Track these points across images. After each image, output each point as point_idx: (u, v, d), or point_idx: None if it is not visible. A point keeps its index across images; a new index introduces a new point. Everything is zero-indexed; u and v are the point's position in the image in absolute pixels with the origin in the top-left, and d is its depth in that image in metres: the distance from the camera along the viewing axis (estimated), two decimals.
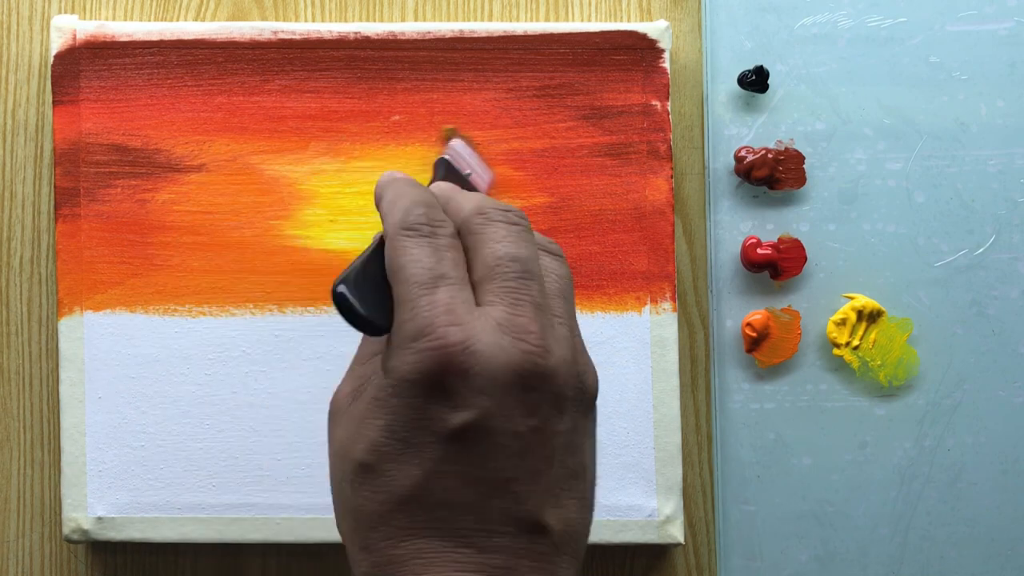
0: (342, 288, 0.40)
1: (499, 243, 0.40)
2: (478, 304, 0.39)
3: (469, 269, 0.40)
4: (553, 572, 0.38)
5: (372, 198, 0.56)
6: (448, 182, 0.45)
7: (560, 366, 0.38)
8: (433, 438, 0.37)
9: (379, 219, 0.56)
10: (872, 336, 0.57)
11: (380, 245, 0.41)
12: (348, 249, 0.56)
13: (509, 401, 0.37)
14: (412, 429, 0.37)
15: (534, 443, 0.38)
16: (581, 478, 0.39)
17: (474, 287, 0.39)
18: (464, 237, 0.40)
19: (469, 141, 0.55)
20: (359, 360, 0.41)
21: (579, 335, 0.41)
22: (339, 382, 0.41)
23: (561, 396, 0.38)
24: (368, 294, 0.40)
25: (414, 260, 0.39)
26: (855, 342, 0.57)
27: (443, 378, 0.37)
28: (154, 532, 0.55)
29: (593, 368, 0.41)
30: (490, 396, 0.37)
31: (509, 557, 0.37)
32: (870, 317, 0.57)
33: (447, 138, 0.55)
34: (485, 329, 0.37)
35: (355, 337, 0.55)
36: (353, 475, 0.38)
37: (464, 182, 0.51)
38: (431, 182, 0.50)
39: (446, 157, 0.53)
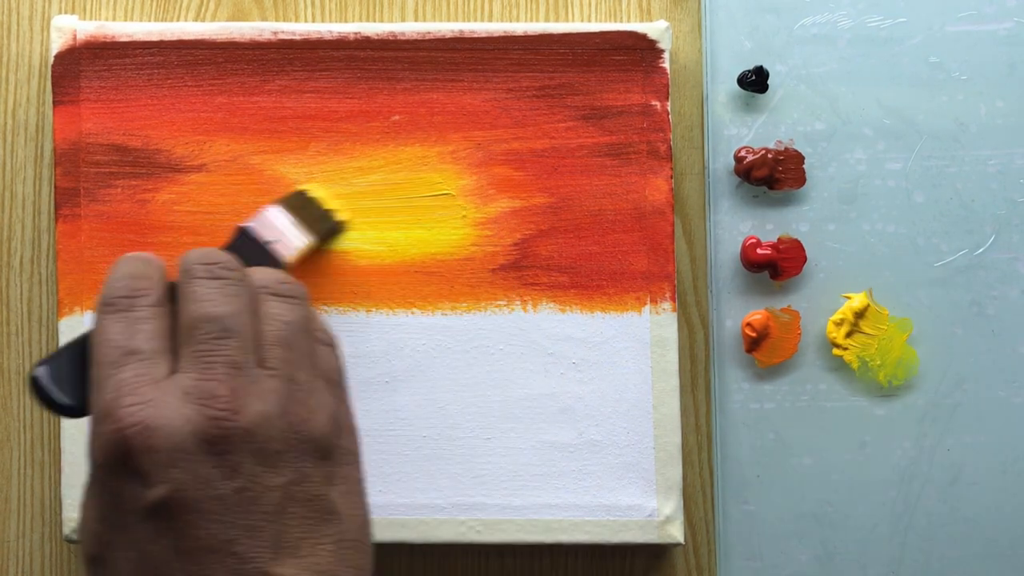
0: (39, 371, 0.40)
1: (196, 303, 0.40)
2: (172, 371, 0.38)
3: (172, 333, 0.40)
4: None
5: (372, 198, 0.56)
6: (236, 252, 0.44)
7: (257, 422, 0.38)
8: (137, 517, 0.37)
9: (381, 222, 0.56)
10: (865, 328, 0.57)
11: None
12: (348, 250, 0.56)
13: (202, 468, 0.37)
14: (116, 512, 0.38)
15: (243, 502, 0.37)
16: (331, 522, 0.39)
17: (174, 352, 0.39)
18: (174, 301, 0.40)
19: (303, 202, 0.54)
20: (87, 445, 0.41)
21: (305, 379, 0.40)
22: None
23: (266, 451, 0.38)
24: (72, 377, 0.40)
25: (105, 339, 0.39)
26: (848, 342, 0.57)
27: (128, 459, 0.37)
28: None
29: (330, 409, 0.40)
30: (180, 468, 0.37)
31: None
32: (859, 314, 0.57)
33: (283, 197, 0.53)
34: (169, 401, 0.37)
35: (355, 337, 0.56)
36: (88, 571, 0.39)
37: (262, 251, 0.50)
38: (223, 248, 0.49)
39: (246, 225, 0.51)
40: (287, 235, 0.51)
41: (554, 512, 0.55)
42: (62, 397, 0.40)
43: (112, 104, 0.56)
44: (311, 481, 0.39)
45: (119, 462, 0.37)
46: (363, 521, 0.41)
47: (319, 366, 0.41)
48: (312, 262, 0.56)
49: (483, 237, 0.56)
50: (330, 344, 0.43)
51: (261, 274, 0.42)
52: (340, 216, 0.55)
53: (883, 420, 0.57)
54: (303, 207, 0.53)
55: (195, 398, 0.38)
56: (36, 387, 0.40)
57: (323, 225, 0.54)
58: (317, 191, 0.55)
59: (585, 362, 0.56)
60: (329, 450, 0.40)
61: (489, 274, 0.56)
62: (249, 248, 0.50)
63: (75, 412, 0.40)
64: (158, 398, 0.37)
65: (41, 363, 0.41)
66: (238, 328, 0.39)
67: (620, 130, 0.56)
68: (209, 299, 0.40)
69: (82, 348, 0.41)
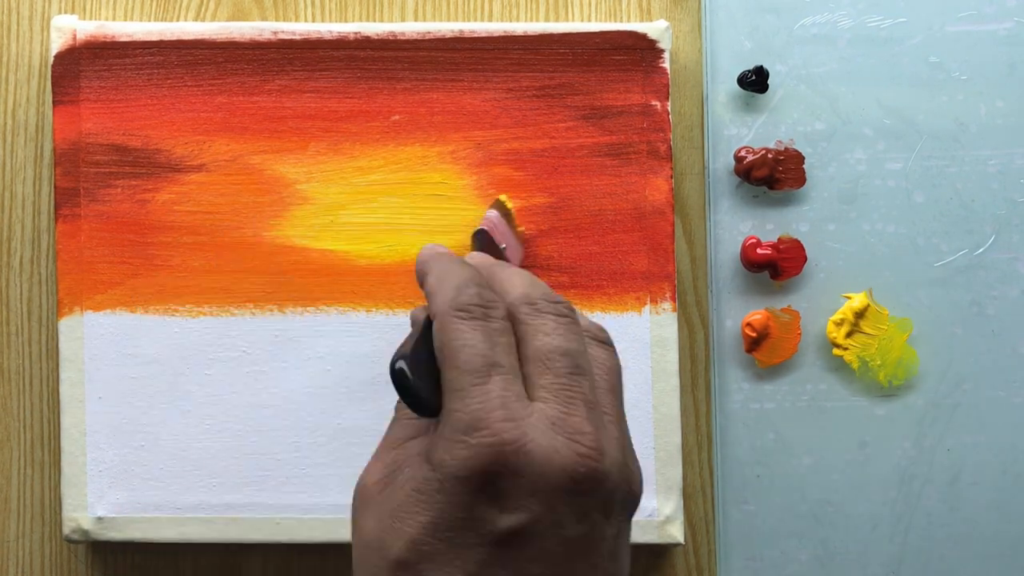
0: (401, 364, 0.38)
1: (549, 336, 0.38)
2: (529, 398, 0.37)
3: (518, 357, 0.38)
4: None
5: (372, 198, 0.56)
6: (486, 254, 0.44)
7: (613, 469, 0.37)
8: (479, 540, 0.35)
9: (380, 221, 0.56)
10: (865, 328, 0.57)
11: (429, 324, 0.39)
12: (348, 250, 0.56)
13: (560, 506, 0.35)
14: (458, 529, 0.36)
15: (581, 549, 0.36)
16: None
17: (523, 378, 0.37)
18: (511, 322, 0.39)
19: (506, 212, 0.55)
20: (389, 444, 0.39)
21: (627, 431, 0.39)
22: (365, 466, 0.40)
23: (610, 501, 0.37)
24: (421, 373, 0.38)
25: (467, 345, 0.37)
26: (848, 342, 0.57)
27: (495, 478, 0.35)
28: (154, 532, 0.55)
29: (639, 468, 0.39)
30: (541, 500, 0.35)
31: None
32: (859, 314, 0.57)
33: (493, 205, 0.55)
34: (538, 428, 0.36)
35: (355, 337, 0.56)
36: (388, 572, 0.36)
37: (499, 255, 0.50)
38: (470, 252, 0.50)
39: (485, 228, 0.52)
40: (511, 241, 0.53)
41: None
42: (428, 394, 0.38)
43: (112, 104, 0.56)
44: (621, 538, 0.38)
45: (485, 479, 0.35)
46: None
47: (624, 427, 0.40)
48: (311, 262, 0.56)
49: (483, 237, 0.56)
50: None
51: (583, 318, 0.41)
52: (522, 228, 0.55)
53: (883, 420, 0.57)
54: (506, 215, 0.54)
55: (564, 431, 0.36)
56: (401, 380, 0.38)
57: (519, 235, 0.55)
58: (507, 200, 0.55)
59: None
60: (635, 509, 0.39)
61: None
62: (488, 252, 0.49)
63: (431, 411, 0.38)
64: (529, 421, 0.36)
65: (399, 356, 0.39)
66: (588, 369, 0.38)
67: (620, 130, 0.56)
68: (561, 334, 0.38)
69: (429, 346, 0.39)
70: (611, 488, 0.36)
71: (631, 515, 0.38)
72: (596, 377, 0.39)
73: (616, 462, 0.37)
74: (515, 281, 0.40)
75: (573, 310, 0.40)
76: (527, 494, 0.35)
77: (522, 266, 0.55)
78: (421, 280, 0.42)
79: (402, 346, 0.39)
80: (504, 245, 0.53)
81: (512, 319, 0.39)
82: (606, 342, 0.40)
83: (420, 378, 0.38)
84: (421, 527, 0.36)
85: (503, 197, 0.55)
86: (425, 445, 0.37)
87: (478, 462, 0.35)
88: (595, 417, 0.37)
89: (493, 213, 0.54)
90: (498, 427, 0.35)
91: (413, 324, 0.45)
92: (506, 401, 0.36)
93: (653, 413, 0.55)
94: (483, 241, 0.52)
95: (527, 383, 0.37)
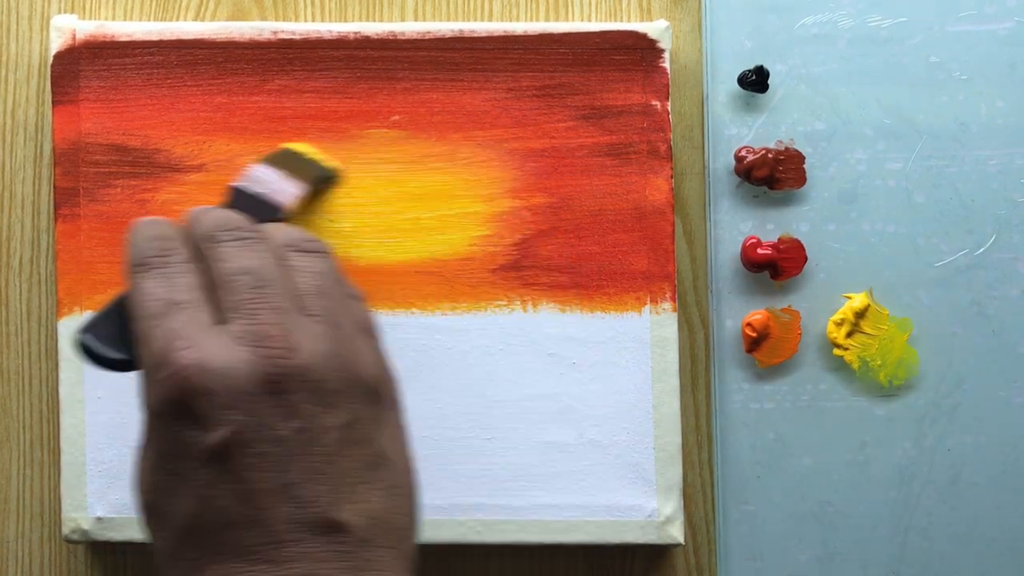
0: (84, 335, 0.41)
1: (227, 261, 0.40)
2: (219, 323, 0.39)
3: (207, 291, 0.40)
4: (364, 568, 0.37)
5: (372, 198, 0.56)
6: (235, 209, 0.45)
7: (314, 361, 0.38)
8: (195, 463, 0.37)
9: (380, 221, 0.56)
10: (866, 328, 0.57)
11: (122, 293, 0.42)
12: (349, 250, 0.56)
13: (262, 409, 0.37)
14: (174, 460, 0.37)
15: (303, 443, 0.37)
16: (383, 467, 0.39)
17: (214, 308, 0.39)
18: (200, 263, 0.41)
19: (288, 157, 0.53)
20: (142, 399, 0.41)
21: (348, 326, 0.40)
22: None
23: (323, 391, 0.38)
24: (115, 337, 0.41)
25: (146, 294, 0.39)
26: (849, 342, 0.57)
27: (187, 402, 0.37)
28: None
29: (373, 356, 0.40)
30: (240, 409, 0.37)
31: (310, 563, 0.36)
32: (860, 314, 0.57)
33: (266, 156, 0.53)
34: (222, 345, 0.37)
35: None
36: (144, 518, 0.39)
37: (260, 204, 0.50)
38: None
39: (237, 184, 0.51)
40: (280, 186, 0.51)
41: (554, 512, 0.55)
42: (114, 353, 0.41)
43: (112, 104, 0.56)
44: (363, 424, 0.39)
45: (176, 407, 0.37)
46: (410, 468, 0.40)
47: (354, 316, 0.41)
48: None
49: (483, 237, 0.56)
50: (358, 297, 0.43)
51: (281, 232, 0.43)
52: (330, 164, 0.54)
53: (883, 420, 0.57)
54: (289, 161, 0.53)
55: (248, 341, 0.38)
56: (86, 350, 0.41)
57: (313, 174, 0.53)
58: (300, 146, 0.54)
59: (585, 362, 0.56)
60: (378, 394, 0.40)
61: (489, 274, 0.56)
62: (246, 205, 0.49)
63: (128, 366, 0.41)
64: (211, 341, 0.37)
65: (84, 329, 0.41)
66: (273, 278, 0.39)
67: (620, 130, 0.56)
68: (239, 256, 0.40)
69: (119, 310, 0.42)
70: (318, 379, 0.38)
71: (378, 402, 0.39)
72: (300, 283, 0.40)
73: (318, 353, 0.38)
74: (202, 219, 0.42)
75: (258, 231, 0.41)
76: (224, 408, 0.37)
77: (304, 203, 0.53)
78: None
79: (89, 319, 0.42)
80: (263, 191, 0.51)
81: (199, 258, 0.41)
82: (312, 250, 0.42)
83: (112, 340, 0.41)
84: (149, 469, 0.38)
85: (289, 145, 0.54)
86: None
87: (168, 394, 0.37)
88: (286, 320, 0.38)
89: (257, 166, 0.52)
90: (176, 356, 0.37)
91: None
92: (184, 331, 0.38)
93: (653, 413, 0.55)
94: (235, 195, 0.51)
95: (216, 309, 0.39)
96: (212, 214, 0.43)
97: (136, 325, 0.39)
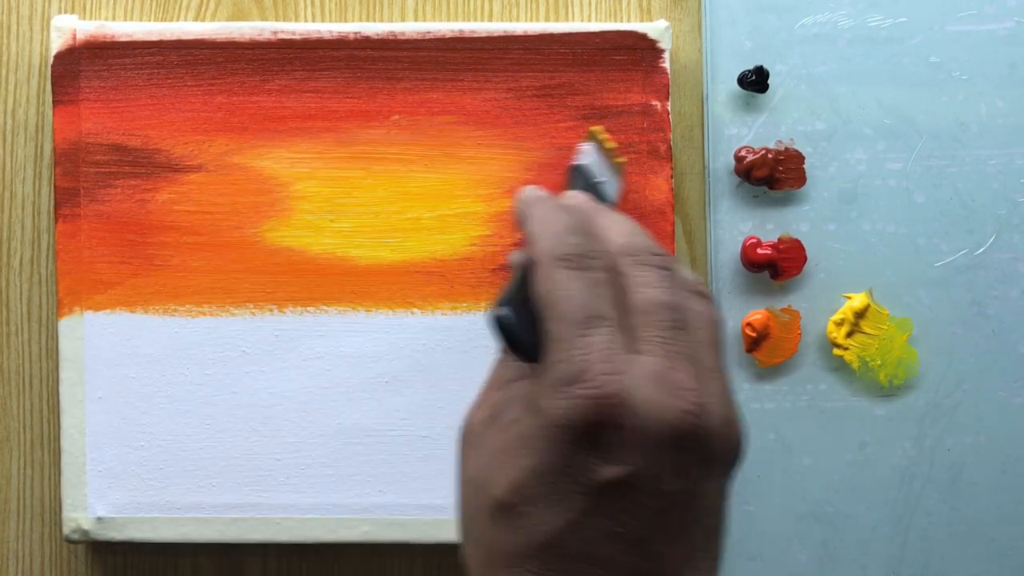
0: (505, 311, 0.38)
1: (651, 288, 0.37)
2: (631, 350, 0.37)
3: (620, 308, 0.38)
4: None
5: (372, 198, 0.56)
6: (584, 192, 0.43)
7: (715, 427, 0.36)
8: (580, 488, 0.35)
9: (380, 221, 0.56)
10: (866, 328, 0.57)
11: (526, 270, 0.39)
12: (348, 250, 0.56)
13: (661, 460, 0.35)
14: (559, 476, 0.36)
15: (679, 505, 0.36)
16: (715, 539, 0.37)
17: (625, 330, 0.37)
18: (613, 272, 0.38)
19: (600, 144, 0.52)
20: (492, 385, 0.40)
21: (728, 385, 0.39)
22: (470, 404, 0.40)
23: (711, 458, 0.36)
24: (521, 319, 0.38)
25: (569, 295, 0.37)
26: (849, 342, 0.57)
27: (597, 429, 0.35)
28: (154, 532, 0.55)
29: (743, 425, 0.38)
30: (643, 454, 0.35)
31: None
32: (860, 314, 0.57)
33: (589, 138, 0.52)
34: (641, 381, 0.36)
35: (356, 337, 0.56)
36: (491, 510, 0.37)
37: (597, 192, 0.49)
38: (566, 189, 0.49)
39: (581, 164, 0.50)
40: (609, 176, 0.50)
41: None
42: (529, 339, 0.38)
43: (112, 104, 0.56)
44: (720, 495, 0.38)
45: (587, 429, 0.35)
46: (724, 544, 0.39)
47: (727, 382, 0.40)
48: (311, 262, 0.56)
49: (483, 237, 0.56)
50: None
51: (682, 270, 0.40)
52: (621, 159, 0.53)
53: (883, 420, 0.57)
54: (603, 148, 0.52)
55: (667, 385, 0.36)
56: (505, 326, 0.38)
57: (618, 169, 0.52)
58: (601, 132, 0.52)
59: None
60: (737, 466, 0.38)
61: (489, 274, 0.56)
62: (586, 189, 0.48)
63: (535, 356, 0.38)
64: (632, 374, 0.35)
65: (502, 303, 0.38)
66: (690, 323, 0.38)
67: (620, 130, 0.56)
68: (663, 287, 0.38)
69: (525, 292, 0.39)
70: (713, 445, 0.36)
71: (733, 472, 0.38)
72: (699, 332, 0.38)
73: (719, 418, 0.36)
74: (617, 229, 0.40)
75: (673, 262, 0.39)
76: (628, 447, 0.35)
77: (621, 196, 0.52)
78: (520, 224, 0.41)
79: (501, 293, 0.39)
80: (601, 179, 0.50)
81: (614, 269, 0.38)
82: (705, 295, 0.40)
83: (520, 323, 0.38)
84: (524, 471, 0.36)
85: (595, 128, 0.53)
86: (528, 389, 0.38)
87: (581, 413, 0.35)
88: (698, 372, 0.37)
89: (587, 146, 0.51)
90: (601, 379, 0.35)
91: (511, 269, 0.45)
92: (609, 353, 0.36)
93: None
94: (579, 176, 0.49)
95: (629, 335, 0.37)
96: (626, 225, 0.40)
97: (553, 325, 0.37)
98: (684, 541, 0.36)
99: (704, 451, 0.36)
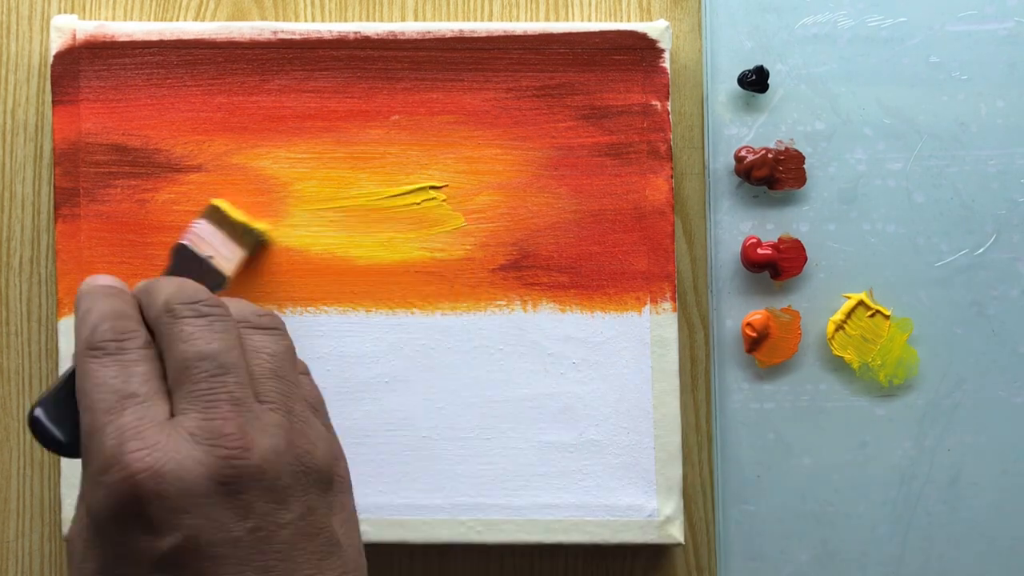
0: (38, 412, 0.39)
1: (186, 343, 0.38)
2: (174, 414, 0.37)
3: (163, 375, 0.38)
4: None
5: (371, 198, 0.56)
6: (180, 273, 0.44)
7: (268, 458, 0.37)
8: (146, 570, 0.36)
9: (380, 221, 0.56)
10: (861, 324, 0.57)
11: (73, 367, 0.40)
12: (348, 250, 0.56)
13: (216, 511, 0.36)
14: (122, 565, 0.36)
15: (257, 542, 0.36)
16: (334, 555, 0.38)
17: (169, 394, 0.38)
18: (156, 339, 0.39)
19: (221, 218, 0.53)
20: (82, 493, 0.39)
21: (301, 410, 0.39)
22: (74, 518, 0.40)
23: (277, 488, 0.37)
24: (67, 417, 0.39)
25: (98, 384, 0.37)
26: (849, 341, 0.57)
27: (139, 508, 0.35)
28: None
29: (325, 440, 0.39)
30: (193, 513, 0.35)
31: None
32: (857, 311, 0.57)
33: (204, 213, 0.53)
34: (176, 445, 0.36)
35: (356, 337, 0.56)
36: None
37: (203, 267, 0.50)
38: (165, 272, 0.50)
39: (184, 242, 0.51)
40: (222, 249, 0.52)
41: (554, 512, 0.55)
42: (70, 438, 0.39)
43: (111, 104, 0.56)
44: (317, 514, 0.38)
45: (126, 511, 0.35)
46: (359, 550, 0.40)
47: (304, 395, 0.40)
48: (311, 262, 0.56)
49: (483, 237, 0.56)
50: (306, 372, 0.42)
51: (236, 307, 0.41)
52: (259, 227, 0.54)
53: (883, 420, 0.57)
54: (225, 221, 0.53)
55: (203, 439, 0.36)
56: (36, 427, 0.39)
57: (248, 238, 0.54)
58: (229, 207, 0.54)
59: (585, 362, 0.56)
60: (330, 480, 0.39)
61: (489, 274, 0.56)
62: (189, 266, 0.50)
63: (74, 452, 0.39)
64: (164, 442, 0.36)
65: (39, 403, 0.39)
66: (234, 363, 0.38)
67: (620, 130, 0.56)
68: (200, 337, 0.38)
69: (71, 387, 0.39)
70: (272, 477, 0.37)
71: (329, 488, 0.39)
72: (255, 366, 0.39)
73: (272, 449, 0.37)
74: (161, 290, 0.40)
75: (217, 305, 0.40)
76: (177, 513, 0.35)
77: (244, 266, 0.53)
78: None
79: (45, 392, 0.40)
80: (209, 254, 0.51)
81: (157, 336, 0.39)
82: (268, 327, 0.40)
83: (64, 421, 0.39)
84: (93, 574, 0.36)
85: (218, 202, 0.54)
86: (82, 489, 0.38)
87: (117, 499, 0.35)
88: (243, 413, 0.37)
89: (201, 223, 0.52)
90: (128, 459, 0.36)
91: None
92: (139, 430, 0.36)
93: (653, 413, 0.55)
94: (180, 255, 0.51)
95: (172, 398, 0.38)
96: (170, 284, 0.41)
97: (86, 417, 0.37)
98: (287, 571, 0.36)
99: (263, 485, 0.36)
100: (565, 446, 0.55)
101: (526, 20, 0.58)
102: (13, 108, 0.58)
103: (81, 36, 0.56)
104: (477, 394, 0.55)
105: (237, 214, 0.54)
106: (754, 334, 0.57)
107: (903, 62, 0.58)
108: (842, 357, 0.57)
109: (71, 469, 0.55)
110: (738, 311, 0.57)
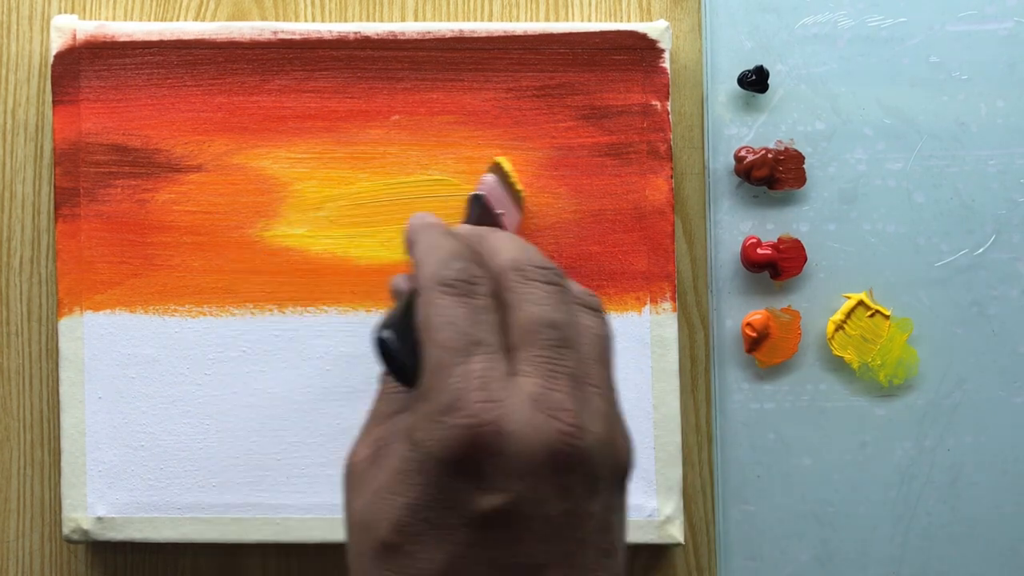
0: (387, 334, 0.38)
1: (536, 306, 0.37)
2: (512, 372, 0.36)
3: (504, 329, 0.37)
4: None
5: (372, 198, 0.56)
6: (481, 223, 0.43)
7: (595, 446, 0.36)
8: (461, 521, 0.35)
9: (381, 221, 0.56)
10: (861, 324, 0.57)
11: (412, 295, 0.39)
12: (348, 250, 0.56)
13: (542, 484, 0.35)
14: (439, 509, 0.35)
15: (566, 526, 0.36)
16: (613, 556, 0.37)
17: (508, 351, 0.37)
18: (499, 292, 0.38)
19: (504, 175, 0.54)
20: (375, 419, 0.39)
21: (616, 400, 0.38)
22: (353, 441, 0.39)
23: (595, 476, 0.36)
24: (405, 344, 0.38)
25: (449, 322, 0.37)
26: (849, 341, 0.57)
27: (474, 458, 0.35)
28: (154, 532, 0.55)
29: (628, 439, 0.38)
30: (522, 479, 0.35)
31: None
32: (857, 311, 0.57)
33: (490, 169, 0.54)
34: (519, 406, 0.35)
35: (356, 337, 0.56)
36: (374, 552, 0.36)
37: (496, 222, 0.50)
38: (464, 220, 0.50)
39: (482, 193, 0.51)
40: (509, 207, 0.51)
41: None
42: (412, 365, 0.37)
43: (112, 104, 0.56)
44: (612, 511, 0.37)
45: (462, 458, 0.35)
46: (626, 556, 0.39)
47: (614, 385, 0.39)
48: (311, 262, 0.56)
49: None
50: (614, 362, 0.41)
51: (572, 283, 0.40)
52: (521, 190, 0.55)
53: (883, 420, 0.57)
54: (506, 180, 0.53)
55: (544, 407, 0.35)
56: (385, 350, 0.38)
57: (520, 201, 0.54)
58: (508, 165, 0.55)
59: None
60: (626, 479, 0.38)
61: None
62: (485, 219, 0.49)
63: (413, 381, 0.38)
64: (509, 400, 0.35)
65: (384, 326, 0.38)
66: (573, 339, 0.37)
67: (620, 130, 0.56)
68: (548, 304, 0.38)
69: (409, 317, 0.38)
70: (595, 464, 0.36)
71: (623, 487, 0.38)
72: (584, 347, 0.38)
73: (599, 437, 0.36)
74: (505, 246, 0.40)
75: (562, 276, 0.39)
76: (507, 474, 0.35)
77: (520, 230, 0.54)
78: (408, 249, 0.41)
79: (386, 316, 0.39)
80: (501, 211, 0.51)
81: (500, 286, 0.38)
82: (596, 309, 0.40)
83: (404, 349, 0.38)
84: (403, 508, 0.36)
85: (501, 159, 0.55)
86: (407, 421, 0.37)
87: (456, 443, 0.35)
88: (579, 391, 0.37)
89: (490, 177, 0.52)
90: (476, 408, 0.35)
91: (395, 294, 0.44)
92: (486, 381, 0.35)
93: (653, 413, 0.55)
94: (479, 207, 0.51)
95: (511, 356, 0.37)
96: (514, 242, 0.40)
97: (433, 352, 0.36)
98: (576, 562, 0.36)
99: (585, 470, 0.36)
100: None
101: (526, 20, 0.58)
102: (13, 108, 0.58)
103: (81, 36, 0.56)
104: None
105: (514, 175, 0.54)
106: (754, 334, 0.57)
107: (903, 62, 0.58)
108: (842, 357, 0.57)
109: (71, 469, 0.55)
110: (738, 311, 0.57)
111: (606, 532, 0.37)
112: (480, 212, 0.50)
